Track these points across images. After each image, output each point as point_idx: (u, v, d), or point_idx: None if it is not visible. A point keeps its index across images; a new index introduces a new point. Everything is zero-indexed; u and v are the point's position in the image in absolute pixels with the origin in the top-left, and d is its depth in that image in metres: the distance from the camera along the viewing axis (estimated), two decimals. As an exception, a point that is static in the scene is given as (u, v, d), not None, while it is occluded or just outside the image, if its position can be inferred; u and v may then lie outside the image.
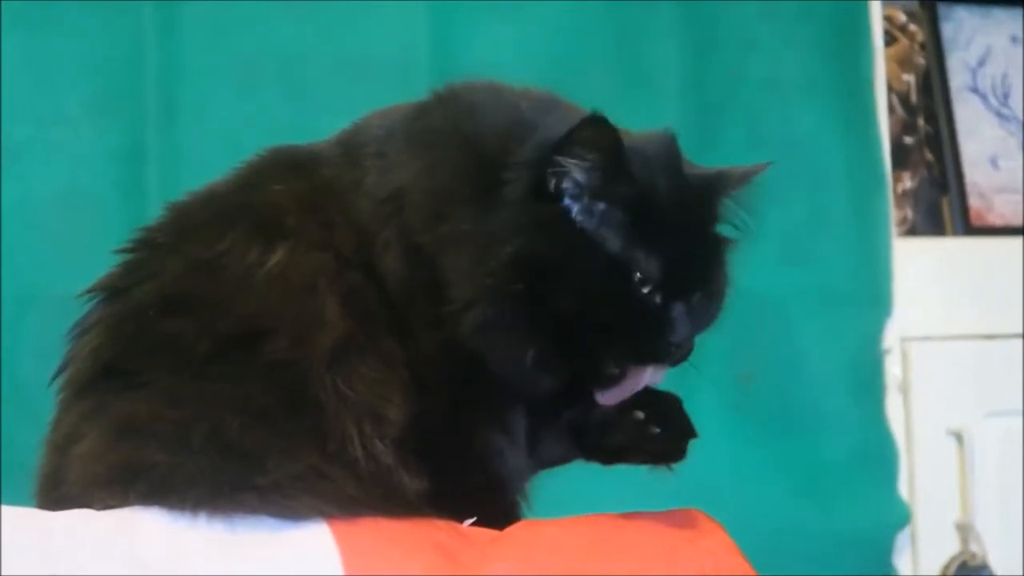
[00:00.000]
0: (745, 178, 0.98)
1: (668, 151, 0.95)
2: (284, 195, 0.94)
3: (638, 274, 0.90)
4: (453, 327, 0.90)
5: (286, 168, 0.97)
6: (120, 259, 0.96)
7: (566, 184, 0.90)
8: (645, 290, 0.91)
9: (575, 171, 0.90)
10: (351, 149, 0.97)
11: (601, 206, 0.90)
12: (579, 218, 0.90)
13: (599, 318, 0.90)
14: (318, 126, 1.57)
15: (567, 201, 0.90)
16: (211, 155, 1.51)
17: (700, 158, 1.71)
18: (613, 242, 0.90)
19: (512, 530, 0.90)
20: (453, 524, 0.89)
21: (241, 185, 0.97)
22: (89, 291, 0.95)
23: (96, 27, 1.55)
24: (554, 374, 0.92)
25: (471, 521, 0.90)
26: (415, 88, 1.59)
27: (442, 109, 0.98)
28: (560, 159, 0.89)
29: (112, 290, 0.94)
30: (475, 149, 0.93)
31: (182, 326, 0.89)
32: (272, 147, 1.00)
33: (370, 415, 0.89)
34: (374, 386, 0.89)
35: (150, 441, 0.86)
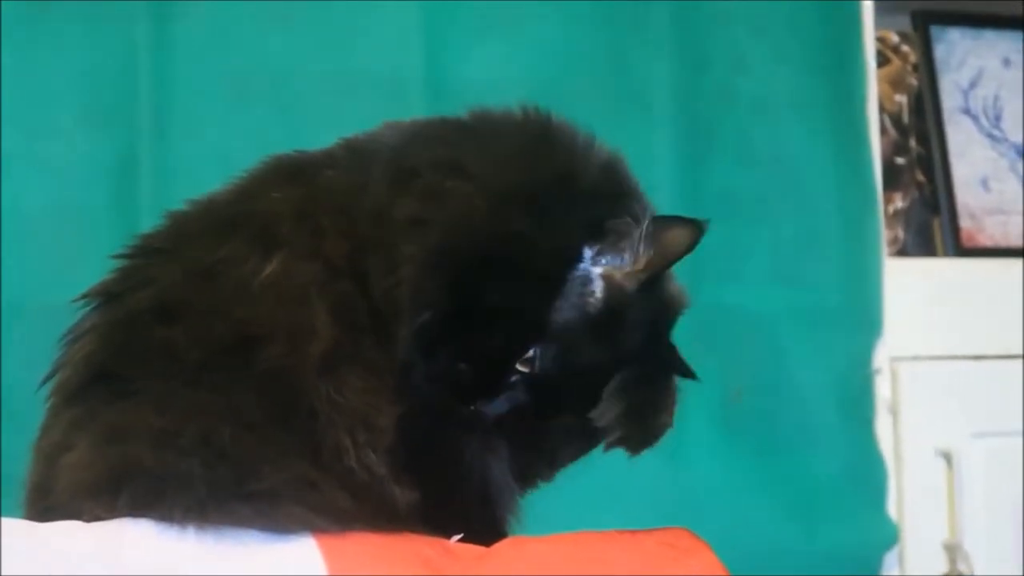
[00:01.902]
0: None
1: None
2: (281, 203, 0.93)
3: None
4: None
5: (285, 175, 0.96)
6: (116, 265, 0.95)
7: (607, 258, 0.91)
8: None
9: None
10: (361, 153, 0.96)
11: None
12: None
13: None
14: (310, 141, 1.57)
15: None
16: (203, 168, 1.51)
17: (691, 177, 1.73)
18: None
19: (498, 547, 0.89)
20: (440, 540, 0.89)
21: (240, 193, 0.96)
22: (84, 296, 0.95)
23: (89, 40, 1.55)
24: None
25: (458, 537, 0.90)
26: (408, 105, 1.61)
27: (474, 131, 0.97)
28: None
29: (107, 296, 0.94)
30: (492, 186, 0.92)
31: (175, 333, 0.88)
32: (275, 154, 0.99)
33: (362, 424, 0.88)
34: (364, 395, 0.89)
35: (139, 448, 0.85)
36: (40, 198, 1.52)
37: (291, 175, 0.96)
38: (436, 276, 0.89)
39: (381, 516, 0.88)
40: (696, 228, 0.91)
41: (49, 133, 1.54)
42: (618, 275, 0.91)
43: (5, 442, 1.40)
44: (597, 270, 0.91)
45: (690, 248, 0.91)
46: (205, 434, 0.85)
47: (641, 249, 0.90)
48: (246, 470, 0.85)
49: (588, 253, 0.91)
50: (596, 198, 0.92)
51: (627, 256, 0.91)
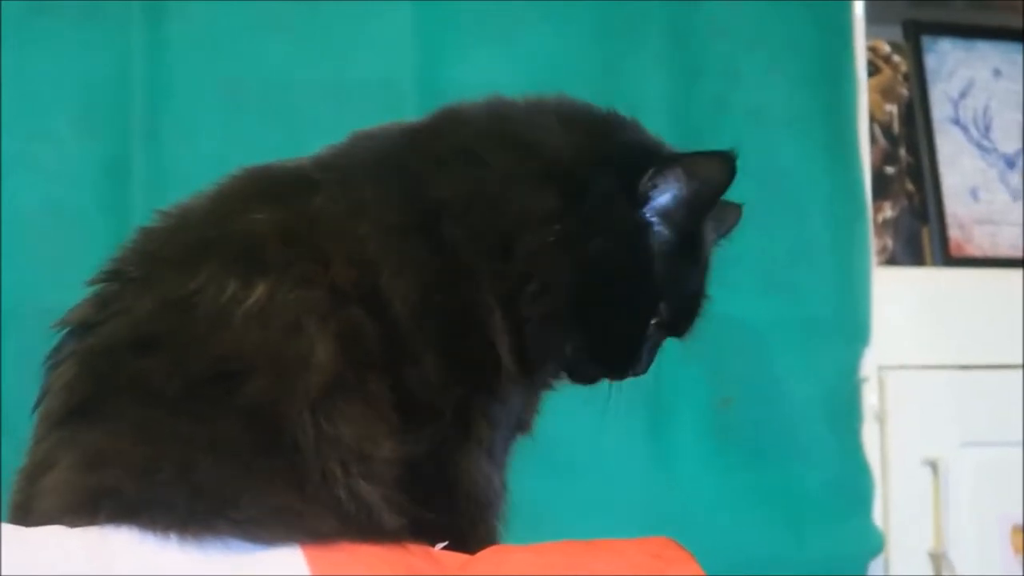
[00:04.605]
0: (730, 227, 1.05)
1: (719, 185, 0.97)
2: (264, 225, 0.91)
3: (661, 310, 0.96)
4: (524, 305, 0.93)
5: (265, 194, 0.94)
6: (91, 291, 0.95)
7: (656, 196, 0.94)
8: (653, 321, 0.96)
9: (669, 190, 0.93)
10: (345, 173, 0.96)
11: (667, 233, 0.94)
12: (653, 239, 0.94)
13: (618, 333, 0.95)
14: (303, 147, 1.57)
15: (649, 214, 0.94)
16: (196, 174, 1.50)
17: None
18: (660, 271, 0.95)
19: (484, 555, 0.90)
20: (425, 548, 0.90)
21: (216, 212, 0.95)
22: (61, 324, 0.94)
23: (84, 44, 1.55)
24: (562, 369, 0.98)
25: (443, 545, 0.91)
26: (401, 111, 1.60)
27: (465, 124, 0.99)
28: (663, 171, 0.93)
29: (84, 324, 0.93)
30: (539, 153, 0.96)
31: (155, 364, 0.87)
32: (247, 169, 0.98)
33: (355, 454, 0.88)
34: (360, 426, 0.88)
35: (120, 474, 0.85)
36: (33, 202, 1.52)
37: (271, 194, 0.94)
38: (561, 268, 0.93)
39: (367, 540, 0.87)
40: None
41: (43, 137, 1.54)
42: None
43: (4, 447, 1.39)
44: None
45: None
46: (184, 465, 0.84)
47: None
48: (224, 502, 0.84)
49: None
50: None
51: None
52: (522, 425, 1.01)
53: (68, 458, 0.87)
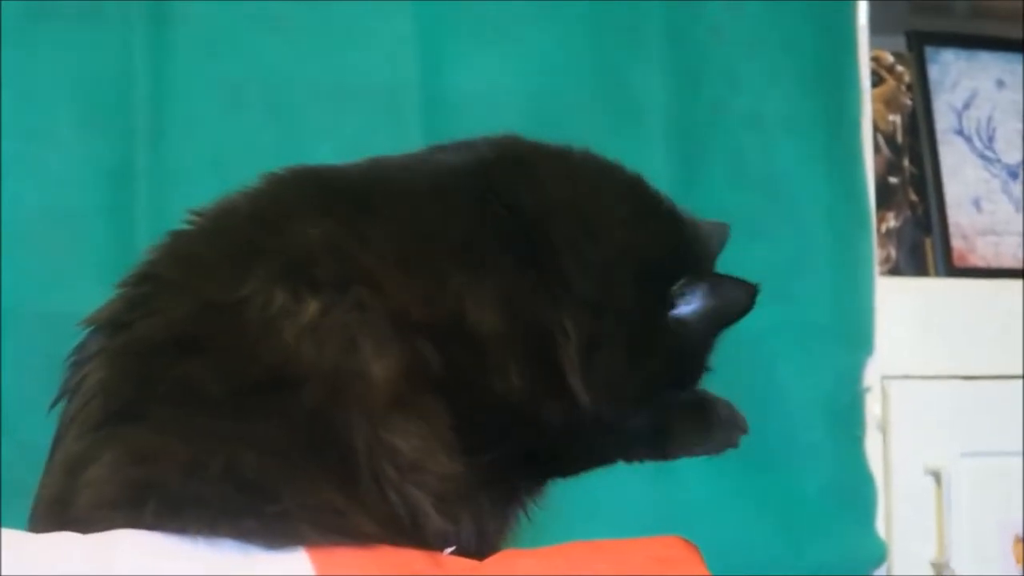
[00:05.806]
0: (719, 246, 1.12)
1: (739, 310, 1.02)
2: (313, 239, 0.90)
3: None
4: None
5: (315, 204, 0.93)
6: (119, 293, 0.93)
7: (681, 305, 0.99)
8: None
9: (693, 302, 0.99)
10: (402, 187, 0.95)
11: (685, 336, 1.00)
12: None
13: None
14: (304, 148, 1.57)
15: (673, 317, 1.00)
16: (199, 175, 1.52)
17: (683, 193, 1.71)
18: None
19: (490, 560, 0.90)
20: (432, 553, 0.89)
21: (260, 218, 0.93)
22: (87, 322, 0.93)
23: (86, 45, 1.54)
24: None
25: (451, 550, 0.90)
26: (403, 113, 1.61)
27: (549, 169, 1.00)
28: (692, 284, 0.99)
29: (114, 323, 0.91)
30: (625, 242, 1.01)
31: (199, 367, 0.86)
32: (293, 170, 0.97)
33: (410, 464, 0.87)
34: (416, 439, 0.88)
35: (166, 469, 0.84)
36: (35, 203, 1.51)
37: (320, 205, 0.93)
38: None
39: (408, 542, 0.87)
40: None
41: (43, 138, 1.52)
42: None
43: (4, 447, 1.38)
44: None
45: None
46: (230, 463, 0.84)
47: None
48: (265, 495, 0.84)
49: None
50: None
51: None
52: None
53: (112, 453, 0.86)
